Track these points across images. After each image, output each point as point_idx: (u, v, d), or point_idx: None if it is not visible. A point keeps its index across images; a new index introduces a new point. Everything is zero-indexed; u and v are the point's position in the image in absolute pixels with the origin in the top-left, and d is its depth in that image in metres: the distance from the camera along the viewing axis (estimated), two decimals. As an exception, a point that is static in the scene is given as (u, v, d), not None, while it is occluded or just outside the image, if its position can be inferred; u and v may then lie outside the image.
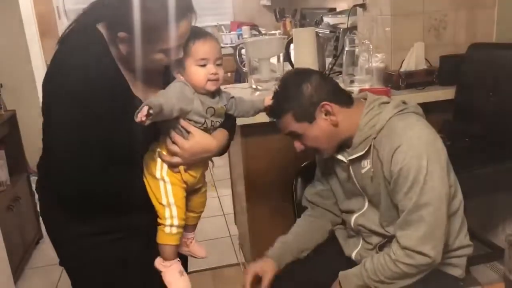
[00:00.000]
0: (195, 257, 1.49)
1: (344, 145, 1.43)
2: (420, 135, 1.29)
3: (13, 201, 2.66)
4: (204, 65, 1.25)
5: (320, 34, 2.80)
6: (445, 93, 2.11)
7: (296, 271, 1.52)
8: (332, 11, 3.73)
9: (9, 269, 2.31)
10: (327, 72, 2.50)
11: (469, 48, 2.11)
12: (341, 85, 2.22)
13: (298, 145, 1.44)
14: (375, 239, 1.44)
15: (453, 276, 1.42)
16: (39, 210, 1.39)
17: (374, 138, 1.34)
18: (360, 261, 1.42)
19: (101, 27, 1.22)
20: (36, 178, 1.38)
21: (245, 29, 4.84)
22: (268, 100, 1.43)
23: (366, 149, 1.36)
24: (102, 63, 1.19)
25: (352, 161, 1.41)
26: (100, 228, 1.30)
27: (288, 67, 2.54)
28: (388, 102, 1.39)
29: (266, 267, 1.49)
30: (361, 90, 2.00)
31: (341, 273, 1.38)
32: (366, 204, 1.46)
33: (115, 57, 1.22)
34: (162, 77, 1.33)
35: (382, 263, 1.31)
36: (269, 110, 1.43)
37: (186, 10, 1.17)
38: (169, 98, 1.21)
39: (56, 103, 1.17)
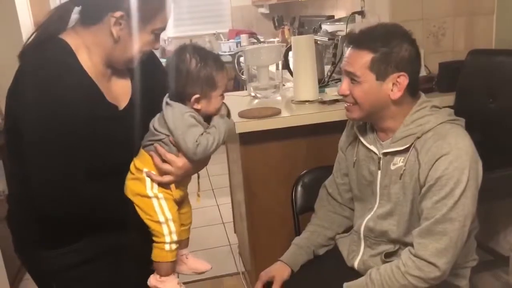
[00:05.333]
0: (199, 273, 1.44)
1: (380, 133, 1.39)
2: (468, 150, 1.26)
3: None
4: (222, 95, 1.28)
5: (318, 42, 2.80)
6: (445, 100, 2.10)
7: (299, 285, 1.50)
8: (331, 18, 3.73)
9: (6, 279, 2.28)
10: (326, 79, 2.50)
11: (469, 55, 2.10)
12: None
13: (344, 88, 1.35)
14: (383, 247, 1.41)
15: (458, 286, 1.41)
16: (14, 247, 1.28)
17: (419, 137, 1.30)
18: (363, 270, 1.40)
19: (66, 35, 1.17)
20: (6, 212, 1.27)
21: (244, 37, 4.84)
22: None
23: (407, 146, 1.31)
24: (74, 75, 1.13)
25: (385, 155, 1.37)
26: (87, 255, 1.24)
27: (287, 75, 2.54)
28: (439, 108, 1.36)
29: (276, 272, 1.48)
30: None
31: (345, 285, 1.36)
32: (377, 205, 1.42)
33: (85, 65, 1.16)
34: (129, 80, 1.29)
35: (390, 275, 1.28)
36: (353, 35, 1.34)
37: None
38: (199, 127, 1.22)
39: (28, 125, 1.08)
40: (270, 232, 2.10)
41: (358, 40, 1.33)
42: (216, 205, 3.52)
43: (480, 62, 2.09)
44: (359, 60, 1.30)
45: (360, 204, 1.51)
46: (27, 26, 3.82)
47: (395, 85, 1.30)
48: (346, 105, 1.39)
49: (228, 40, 5.21)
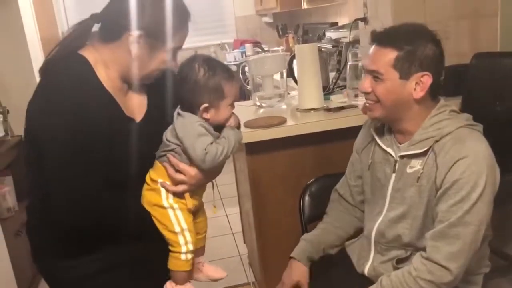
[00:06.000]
0: (215, 280, 1.46)
1: (397, 135, 1.38)
2: (486, 155, 1.26)
3: (22, 226, 2.64)
4: (231, 105, 1.29)
5: (323, 49, 2.80)
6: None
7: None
8: (334, 25, 3.74)
9: (18, 294, 2.29)
10: (331, 86, 2.49)
11: (473, 58, 2.09)
12: (345, 99, 2.24)
13: (366, 86, 1.33)
14: (394, 252, 1.39)
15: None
16: (32, 256, 1.31)
17: (437, 141, 1.29)
18: (374, 276, 1.39)
19: (85, 51, 1.21)
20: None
21: (248, 46, 4.86)
22: None
23: (425, 149, 1.30)
24: (93, 90, 1.17)
25: (402, 157, 1.36)
26: (104, 265, 1.26)
27: (292, 83, 2.54)
28: (459, 112, 1.36)
29: (300, 276, 1.50)
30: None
31: None
32: (385, 209, 1.41)
33: (103, 80, 1.20)
34: (145, 94, 1.32)
35: (401, 280, 1.27)
36: (377, 33, 1.33)
37: (188, 11, 1.23)
38: (208, 137, 1.24)
39: (47, 137, 1.12)
40: (279, 242, 2.09)
41: (383, 38, 1.31)
42: (225, 215, 3.52)
43: (485, 64, 2.07)
44: (383, 58, 1.28)
45: (369, 208, 1.50)
46: (34, 42, 3.87)
47: (418, 84, 1.29)
48: (367, 103, 1.37)
49: (233, 50, 5.24)
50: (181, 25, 1.23)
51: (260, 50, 4.47)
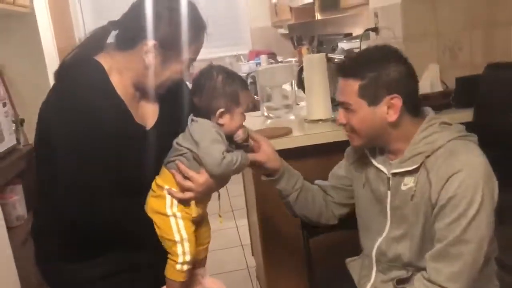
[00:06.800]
0: None
1: (387, 153, 1.35)
2: (481, 168, 1.20)
3: (30, 235, 2.65)
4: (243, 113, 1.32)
5: (336, 60, 2.77)
6: (463, 116, 2.02)
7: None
8: (349, 36, 3.71)
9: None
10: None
11: (486, 68, 2.03)
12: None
13: (341, 118, 1.33)
14: (395, 273, 1.34)
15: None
16: (36, 259, 1.32)
17: (428, 156, 1.25)
18: None
19: (101, 57, 1.22)
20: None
21: (263, 57, 4.87)
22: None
23: (416, 166, 1.26)
24: (105, 95, 1.19)
25: (394, 175, 1.32)
26: (105, 270, 1.26)
27: (302, 94, 2.51)
28: (450, 124, 1.31)
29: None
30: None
31: None
32: (387, 227, 1.36)
33: (116, 86, 1.21)
34: (157, 102, 1.33)
35: None
36: (341, 65, 1.33)
37: (204, 23, 1.25)
38: (222, 145, 1.25)
39: (57, 140, 1.14)
40: (284, 254, 2.05)
41: (345, 69, 1.32)
42: (235, 227, 3.48)
43: (499, 75, 2.01)
44: (349, 89, 1.28)
45: (368, 226, 1.45)
46: (51, 54, 3.93)
47: (390, 107, 1.26)
48: (347, 135, 1.38)
49: (248, 61, 5.25)
50: (197, 37, 1.24)
51: (273, 61, 4.46)
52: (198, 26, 1.24)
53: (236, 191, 2.98)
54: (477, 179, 1.18)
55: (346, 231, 1.59)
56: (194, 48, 1.24)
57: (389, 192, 1.34)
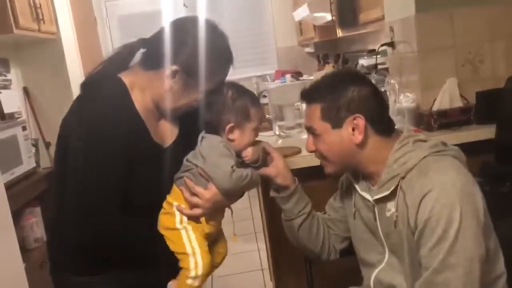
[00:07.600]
0: None
1: (369, 179, 1.29)
2: (455, 182, 1.10)
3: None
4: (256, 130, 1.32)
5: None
6: (484, 132, 1.90)
7: None
8: (372, 52, 3.63)
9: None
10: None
11: (508, 81, 1.91)
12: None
13: (309, 145, 1.31)
14: None
15: None
16: (49, 270, 1.35)
17: (403, 178, 1.17)
18: None
19: (125, 75, 1.24)
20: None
21: (288, 77, 4.83)
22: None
23: (392, 189, 1.19)
24: (124, 113, 1.20)
25: (377, 201, 1.24)
26: (120, 285, 1.27)
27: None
28: (425, 141, 1.23)
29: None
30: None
31: None
32: (387, 256, 1.28)
33: (137, 103, 1.23)
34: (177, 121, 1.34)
35: None
36: (303, 91, 1.32)
37: (231, 57, 1.26)
38: (230, 158, 1.25)
39: (73, 153, 1.16)
40: (297, 277, 1.95)
41: (307, 95, 1.31)
42: (257, 250, 3.40)
43: (522, 88, 1.88)
44: (312, 114, 1.28)
45: (365, 256, 1.36)
46: (77, 79, 4.02)
47: (355, 128, 1.22)
48: (320, 162, 1.35)
49: (274, 81, 5.22)
50: (221, 69, 1.26)
51: (295, 80, 4.43)
52: (225, 59, 1.25)
53: (259, 213, 2.92)
54: (451, 196, 1.08)
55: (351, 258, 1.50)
56: (217, 79, 1.25)
57: (378, 220, 1.26)
